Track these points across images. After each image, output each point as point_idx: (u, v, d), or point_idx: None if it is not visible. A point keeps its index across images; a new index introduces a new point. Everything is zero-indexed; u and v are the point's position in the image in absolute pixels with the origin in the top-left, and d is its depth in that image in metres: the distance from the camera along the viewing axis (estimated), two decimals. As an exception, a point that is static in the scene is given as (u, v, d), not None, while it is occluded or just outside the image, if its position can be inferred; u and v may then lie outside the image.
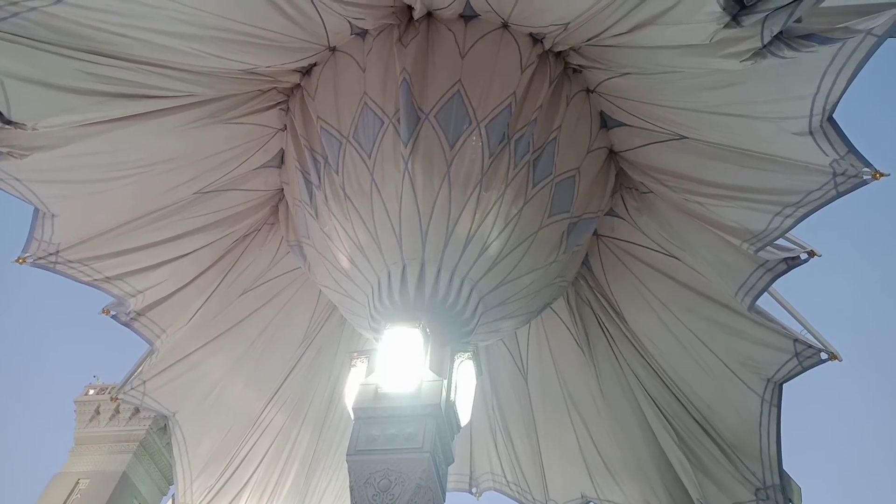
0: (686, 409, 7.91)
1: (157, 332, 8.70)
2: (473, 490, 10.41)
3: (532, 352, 9.42)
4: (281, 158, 8.20)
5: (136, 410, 28.04)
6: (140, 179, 7.53)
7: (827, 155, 5.60)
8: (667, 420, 8.22)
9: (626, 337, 8.41)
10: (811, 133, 5.51)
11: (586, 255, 8.42)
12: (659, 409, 8.28)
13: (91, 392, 33.77)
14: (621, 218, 8.13)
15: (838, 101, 5.30)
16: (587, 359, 8.92)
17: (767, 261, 6.63)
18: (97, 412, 32.51)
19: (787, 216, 6.27)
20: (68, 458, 31.48)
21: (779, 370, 7.12)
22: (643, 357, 8.31)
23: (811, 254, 6.50)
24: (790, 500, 7.22)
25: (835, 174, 5.74)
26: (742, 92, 5.83)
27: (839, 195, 5.91)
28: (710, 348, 7.61)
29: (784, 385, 7.26)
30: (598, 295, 8.58)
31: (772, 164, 6.26)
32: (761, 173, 6.38)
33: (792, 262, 6.60)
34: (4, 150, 6.26)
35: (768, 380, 7.20)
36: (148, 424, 29.84)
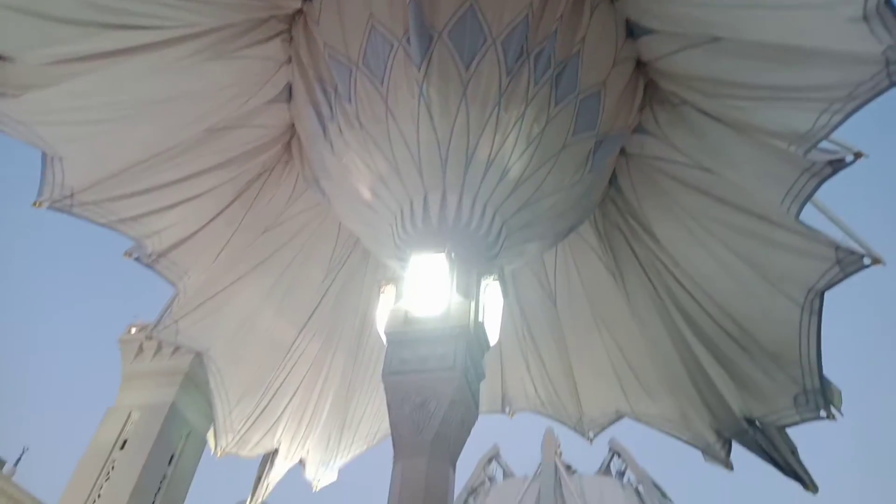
0: (721, 324, 7.79)
1: (179, 273, 8.86)
2: (507, 410, 10.60)
3: (560, 276, 9.36)
4: (289, 92, 7.99)
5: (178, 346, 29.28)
6: (146, 118, 7.46)
7: (881, 42, 5.22)
8: (702, 336, 8.12)
9: (658, 257, 8.25)
10: (865, 18, 5.12)
11: (614, 174, 8.16)
12: (693, 326, 8.21)
13: (133, 331, 35.14)
14: (651, 134, 7.77)
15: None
16: (617, 281, 8.83)
17: (813, 164, 6.33)
18: (141, 349, 33.93)
19: (835, 112, 5.90)
20: (119, 394, 33.16)
21: (820, 279, 6.90)
22: (675, 277, 8.12)
23: (857, 155, 6.15)
24: (830, 403, 7.20)
25: (888, 63, 5.35)
26: None
27: (892, 85, 5.51)
28: (748, 262, 7.41)
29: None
30: (628, 216, 8.38)
31: (817, 58, 5.88)
32: (805, 69, 6.00)
33: (837, 165, 6.27)
34: None
35: (809, 289, 7.02)
36: (191, 358, 31.02)
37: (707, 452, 8.81)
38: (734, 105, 6.77)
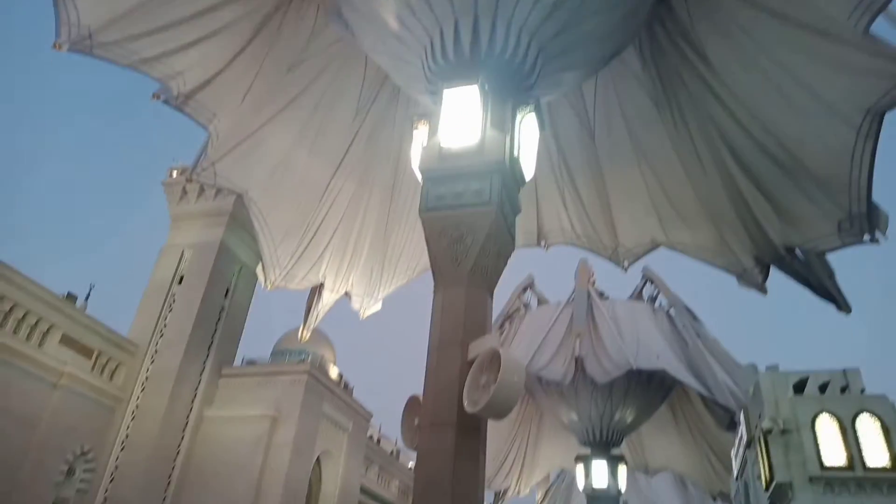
0: (769, 151, 7.44)
1: (208, 115, 8.80)
2: (542, 243, 10.79)
3: (600, 106, 8.96)
4: None
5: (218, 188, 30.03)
6: None
7: None
8: (746, 164, 7.81)
9: (707, 82, 7.70)
10: None
11: None
12: (739, 154, 7.87)
13: (174, 174, 35.98)
14: None
15: None
16: (661, 109, 8.41)
17: None
18: (184, 192, 34.99)
19: None
20: (170, 233, 34.80)
21: (882, 98, 6.30)
22: (724, 102, 7.62)
23: None
24: (875, 227, 7.05)
25: None
26: None
27: None
28: (804, 84, 6.85)
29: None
30: (678, 37, 7.67)
31: None
32: None
33: None
34: None
35: (868, 110, 6.57)
36: (233, 199, 32.03)
37: (742, 278, 8.94)
38: None
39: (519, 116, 6.11)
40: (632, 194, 9.51)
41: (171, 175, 35.93)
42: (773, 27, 6.83)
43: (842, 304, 7.91)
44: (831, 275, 7.95)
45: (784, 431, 16.95)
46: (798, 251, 8.08)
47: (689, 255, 9.52)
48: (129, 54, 7.85)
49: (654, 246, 9.87)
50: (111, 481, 27.64)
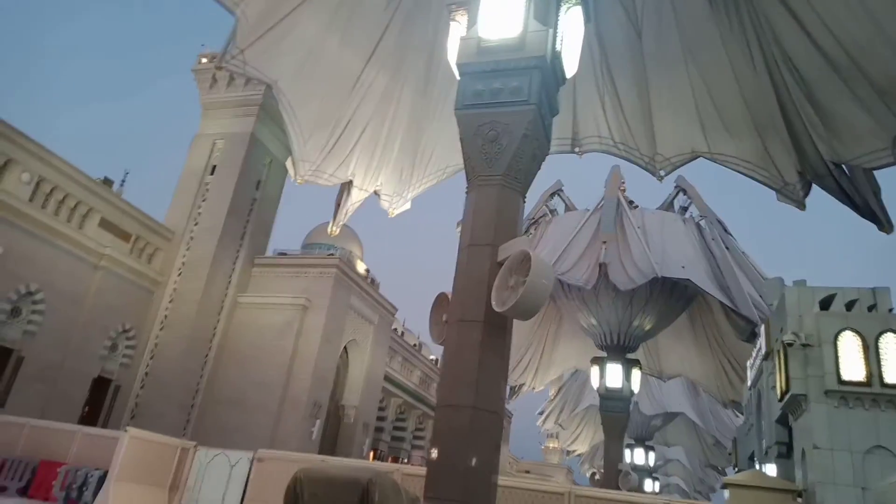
0: (829, 56, 6.96)
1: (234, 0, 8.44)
2: (576, 149, 10.42)
3: (649, 4, 8.45)
4: None
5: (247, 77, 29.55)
6: None
7: None
8: (801, 72, 7.32)
9: None
10: None
11: None
12: (794, 61, 7.36)
13: (204, 61, 35.34)
14: None
15: None
16: (715, 7, 7.84)
17: None
18: (214, 80, 34.50)
19: None
20: (201, 122, 34.73)
21: None
22: (787, 3, 7.16)
23: None
24: None
25: None
26: None
27: None
28: None
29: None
30: None
31: None
32: None
33: None
34: None
35: None
36: (264, 88, 31.54)
37: (782, 193, 8.66)
38: None
39: (564, 8, 5.78)
40: (676, 99, 9.06)
41: (200, 62, 35.32)
42: None
43: (884, 223, 7.67)
44: (878, 192, 7.67)
45: (805, 345, 17.07)
46: (844, 167, 7.76)
47: (728, 167, 9.19)
48: None
49: (694, 156, 9.49)
50: (151, 358, 29.39)
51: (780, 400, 18.77)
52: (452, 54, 6.24)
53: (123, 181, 32.64)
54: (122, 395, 28.46)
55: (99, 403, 27.60)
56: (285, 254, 35.01)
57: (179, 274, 30.90)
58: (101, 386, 27.57)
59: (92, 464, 11.65)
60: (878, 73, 6.74)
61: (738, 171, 9.09)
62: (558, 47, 5.78)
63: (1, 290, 23.07)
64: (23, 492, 11.99)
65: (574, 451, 44.33)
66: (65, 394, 25.47)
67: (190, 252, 31.29)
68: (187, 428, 28.72)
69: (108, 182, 29.92)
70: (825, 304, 18.64)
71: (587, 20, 6.11)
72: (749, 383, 24.33)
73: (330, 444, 32.74)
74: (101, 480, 11.08)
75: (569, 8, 5.85)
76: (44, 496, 11.75)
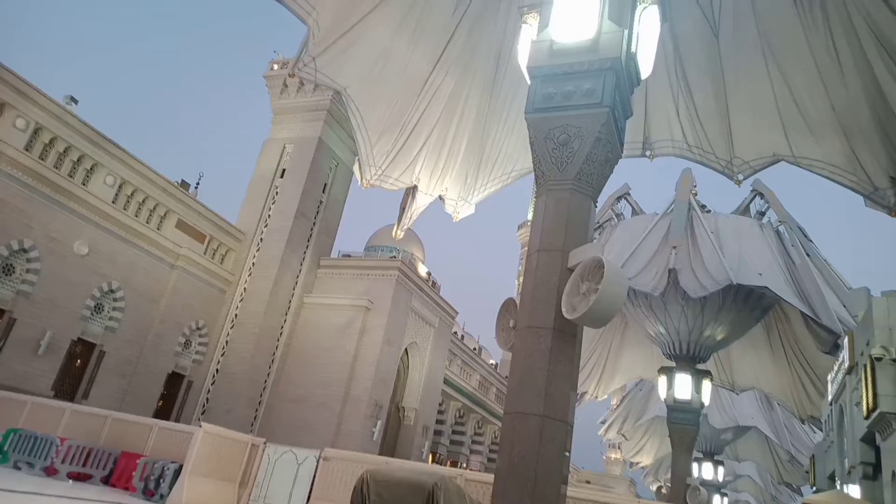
0: None
1: (307, 9, 8.63)
2: (648, 153, 10.10)
3: (727, 4, 8.09)
4: None
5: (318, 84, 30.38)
6: None
7: None
8: None
9: None
10: None
11: None
12: (889, 56, 6.90)
13: (275, 67, 36.47)
14: None
15: None
16: (799, 6, 7.46)
17: None
18: (285, 86, 35.57)
19: None
20: (271, 127, 35.85)
21: None
22: None
23: None
24: None
25: None
26: None
27: None
28: None
29: None
30: None
31: None
32: None
33: None
34: None
35: None
36: (331, 93, 32.32)
37: (872, 198, 8.13)
38: None
39: (640, 8, 5.60)
40: (756, 100, 8.65)
41: (272, 68, 36.49)
42: None
43: None
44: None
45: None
46: None
47: (813, 171, 8.70)
48: None
49: (776, 160, 9.02)
50: (222, 355, 30.51)
51: (867, 417, 17.63)
52: (523, 57, 6.14)
53: (198, 183, 34.06)
54: (194, 391, 29.65)
55: (172, 398, 28.87)
56: (349, 256, 35.66)
57: (250, 274, 31.98)
58: (174, 381, 28.84)
59: (168, 456, 12.14)
60: None
61: (823, 176, 8.60)
62: (633, 48, 5.60)
63: (85, 288, 24.48)
64: (105, 480, 12.63)
65: (638, 463, 43.16)
66: (142, 387, 26.78)
67: (260, 253, 32.34)
68: (254, 424, 29.64)
69: (184, 185, 31.27)
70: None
71: (663, 20, 5.90)
72: (830, 398, 22.98)
73: (390, 445, 33.09)
74: (177, 473, 11.53)
75: (645, 7, 5.66)
76: (124, 486, 12.34)
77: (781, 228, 17.70)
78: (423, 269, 37.69)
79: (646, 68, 5.94)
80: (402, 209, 11.61)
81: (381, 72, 9.79)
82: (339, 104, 32.72)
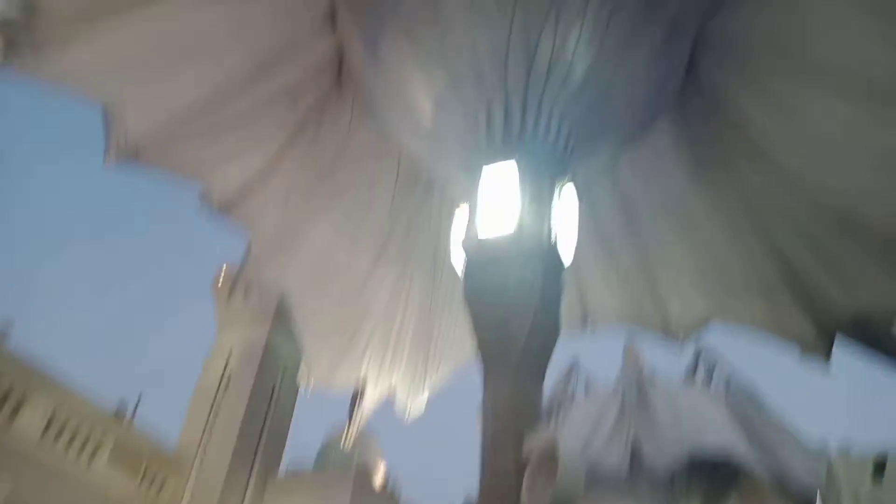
0: (823, 215, 7.12)
1: (252, 216, 8.92)
2: (588, 325, 10.28)
3: (637, 178, 8.76)
4: (334, 18, 7.62)
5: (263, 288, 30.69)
6: (193, 58, 7.37)
7: None
8: (799, 228, 7.51)
9: (747, 151, 7.51)
10: None
11: (694, 63, 7.30)
12: (789, 218, 7.57)
13: (222, 275, 36.93)
14: (734, 12, 6.78)
15: None
16: (701, 179, 8.22)
17: None
18: (232, 292, 35.71)
19: None
20: (217, 336, 35.26)
21: None
22: (769, 169, 7.40)
23: None
24: None
25: None
26: None
27: None
28: (854, 144, 6.68)
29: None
30: (711, 108, 7.59)
31: None
32: None
33: None
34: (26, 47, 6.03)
35: None
36: (278, 297, 32.45)
37: (805, 349, 8.36)
38: None
39: (557, 192, 6.07)
40: (678, 266, 9.14)
41: (219, 276, 36.85)
42: (815, 93, 6.69)
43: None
44: (898, 342, 7.37)
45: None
46: (866, 318, 7.55)
47: (746, 328, 9.00)
48: (171, 162, 8.10)
49: (709, 320, 9.34)
50: None
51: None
52: (456, 246, 6.43)
53: (136, 406, 32.23)
54: None
55: None
56: (299, 472, 33.33)
57: (192, 498, 29.19)
58: None
59: None
60: (876, 225, 6.83)
61: (756, 333, 8.88)
62: (556, 230, 5.94)
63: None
64: None
65: None
66: None
67: (201, 476, 29.85)
68: None
69: (120, 412, 29.53)
70: (879, 466, 17.10)
71: (580, 198, 6.37)
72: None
73: None
74: None
75: (561, 190, 6.12)
76: None
77: (731, 388, 17.75)
78: (382, 468, 35.35)
79: (571, 245, 6.27)
80: (351, 414, 11.12)
81: (324, 273, 10.00)
82: (286, 307, 32.66)
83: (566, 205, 6.22)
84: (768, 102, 7.13)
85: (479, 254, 5.89)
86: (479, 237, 5.93)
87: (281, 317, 33.64)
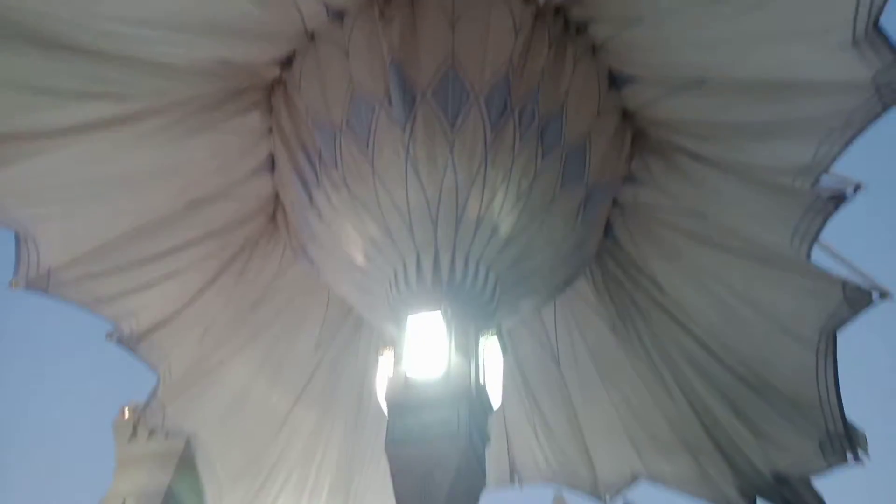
0: (736, 373, 7.48)
1: (161, 355, 8.53)
2: (516, 481, 10.02)
3: (561, 334, 9.04)
4: (272, 163, 7.88)
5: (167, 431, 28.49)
6: (122, 193, 7.35)
7: (870, 67, 5.35)
8: (715, 388, 7.81)
9: (662, 308, 8.02)
10: (855, 43, 5.23)
11: (610, 226, 8.03)
12: (705, 378, 7.91)
13: (126, 414, 34.26)
14: (644, 183, 7.67)
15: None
16: (620, 336, 8.56)
17: (816, 199, 6.30)
18: (135, 433, 32.97)
19: (834, 141, 5.95)
20: (113, 480, 31.93)
21: (830, 319, 6.71)
22: (682, 327, 7.91)
23: (857, 188, 6.14)
24: (857, 447, 6.90)
25: (878, 88, 5.45)
26: (775, 8, 5.57)
27: (885, 109, 5.62)
28: (757, 308, 7.21)
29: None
30: (627, 267, 8.19)
31: (809, 89, 6.01)
32: (798, 101, 6.14)
33: (838, 200, 6.24)
34: None
35: (821, 330, 6.79)
36: (185, 438, 30.19)
37: None
38: (729, 146, 6.81)
39: (482, 342, 6.17)
40: (605, 423, 9.14)
41: (122, 414, 34.09)
42: (718, 256, 7.38)
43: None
44: (821, 502, 7.54)
45: None
46: (783, 476, 7.74)
47: (671, 488, 8.95)
48: (86, 293, 7.77)
49: (635, 478, 9.23)
50: None
51: None
52: (381, 391, 6.32)
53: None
54: None
55: None
56: None
57: None
58: None
59: None
60: (783, 386, 7.29)
61: (681, 492, 8.86)
62: (482, 377, 5.99)
63: None
64: None
65: None
66: None
67: None
68: None
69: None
70: None
71: (504, 352, 6.48)
72: None
73: None
74: None
75: (486, 340, 6.24)
76: None
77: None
78: None
79: (496, 396, 6.27)
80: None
81: (238, 413, 9.43)
82: (192, 452, 30.23)
83: (491, 357, 6.31)
84: (679, 262, 7.76)
85: (404, 397, 5.79)
86: (406, 381, 5.88)
87: (186, 462, 31.06)
